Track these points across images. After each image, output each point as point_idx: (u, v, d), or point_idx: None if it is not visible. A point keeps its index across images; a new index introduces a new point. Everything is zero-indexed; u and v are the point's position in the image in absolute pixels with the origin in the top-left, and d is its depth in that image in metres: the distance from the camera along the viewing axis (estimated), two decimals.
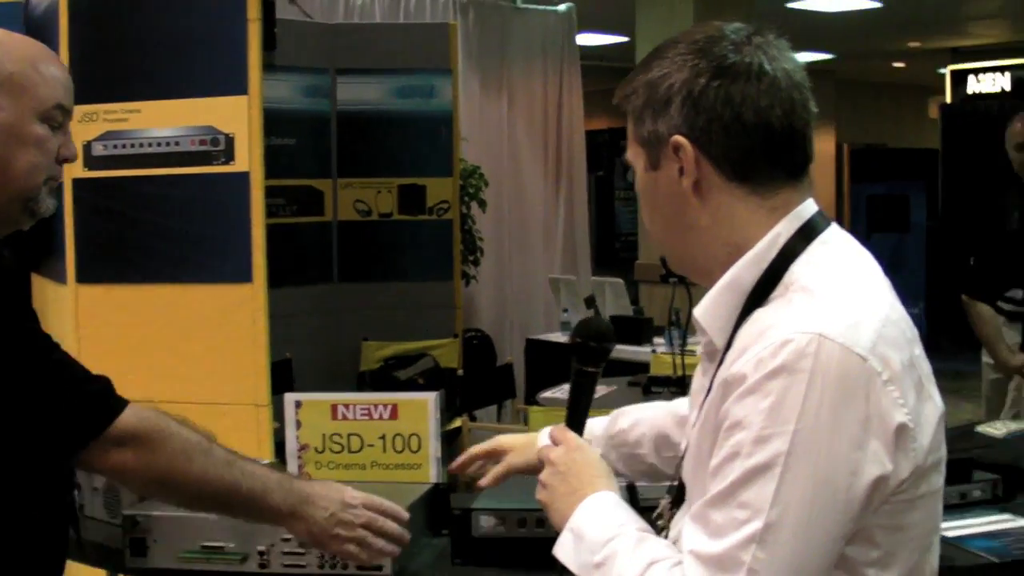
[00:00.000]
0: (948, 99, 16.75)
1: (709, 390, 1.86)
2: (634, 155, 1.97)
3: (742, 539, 1.67)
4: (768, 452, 1.67)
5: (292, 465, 3.18)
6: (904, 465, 1.74)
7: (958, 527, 3.09)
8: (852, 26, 14.53)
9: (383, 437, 3.18)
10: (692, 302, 5.41)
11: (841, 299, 1.78)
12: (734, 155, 1.85)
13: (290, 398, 3.23)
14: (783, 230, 1.87)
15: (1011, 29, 15.71)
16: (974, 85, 16.55)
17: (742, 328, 1.83)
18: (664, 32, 10.94)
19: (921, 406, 1.80)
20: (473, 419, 7.79)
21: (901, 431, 1.73)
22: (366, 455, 3.19)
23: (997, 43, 16.33)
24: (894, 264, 15.38)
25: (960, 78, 16.72)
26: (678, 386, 4.70)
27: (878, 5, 13.30)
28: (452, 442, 6.96)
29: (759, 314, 1.82)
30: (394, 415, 3.18)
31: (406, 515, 2.56)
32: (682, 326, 6.05)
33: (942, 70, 17.26)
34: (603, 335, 2.13)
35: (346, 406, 3.21)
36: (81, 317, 5.13)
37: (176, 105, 5.11)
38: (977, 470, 3.38)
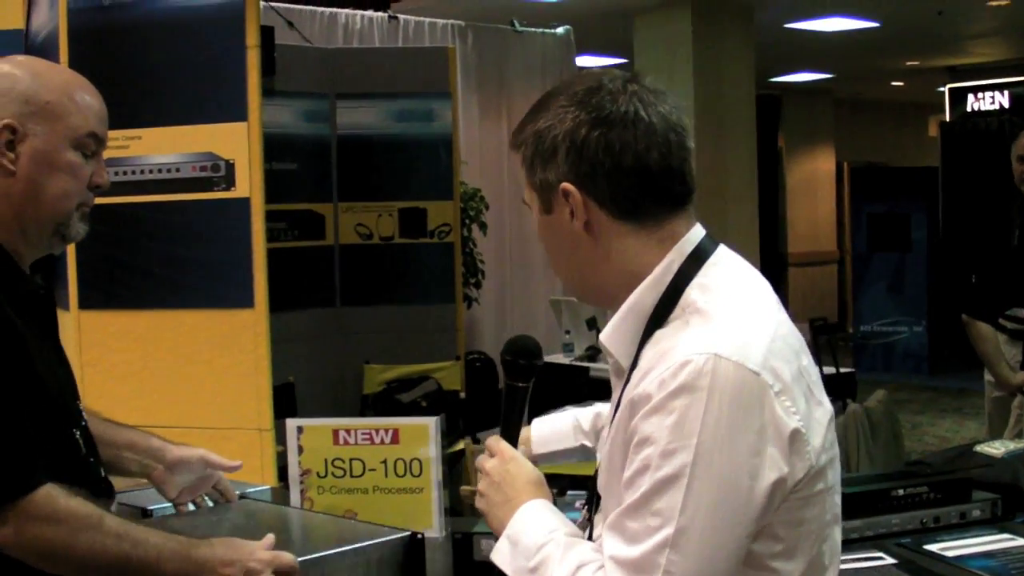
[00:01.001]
0: (947, 117, 16.79)
1: (617, 408, 2.00)
2: (530, 199, 2.10)
3: (656, 544, 1.81)
4: (675, 464, 1.81)
5: (295, 491, 3.19)
6: (799, 467, 1.87)
7: (957, 547, 3.10)
8: (850, 45, 14.56)
9: (385, 461, 3.18)
10: None
11: (733, 320, 1.92)
12: (617, 197, 1.99)
13: (292, 423, 3.24)
14: (676, 256, 2.01)
15: (1008, 47, 15.75)
16: (973, 103, 16.59)
17: (646, 348, 1.98)
18: (662, 53, 10.94)
19: (811, 412, 1.92)
20: (476, 442, 7.79)
21: (795, 436, 1.86)
22: (368, 479, 3.19)
23: (995, 61, 16.38)
24: (896, 283, 15.40)
25: (959, 96, 16.77)
26: None
27: (875, 25, 13.32)
28: (455, 465, 6.97)
29: (660, 334, 1.97)
30: (395, 439, 3.19)
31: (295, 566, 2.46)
32: None
33: (941, 88, 17.30)
34: (530, 352, 2.26)
35: (348, 431, 3.21)
36: (84, 343, 5.14)
37: (176, 132, 5.13)
38: (976, 490, 3.39)
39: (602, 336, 2.05)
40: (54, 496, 2.29)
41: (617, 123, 1.96)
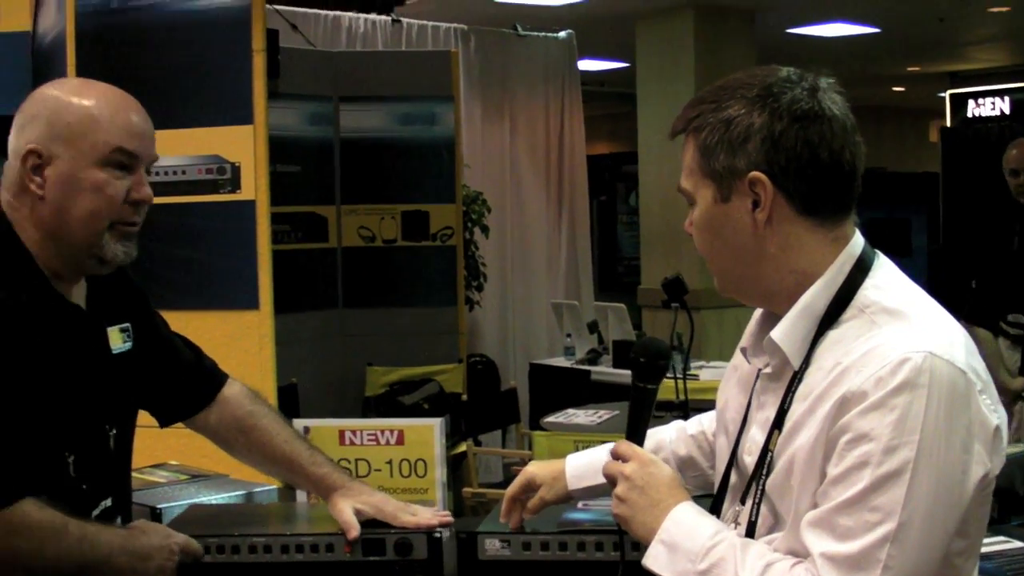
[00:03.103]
0: (948, 123, 16.79)
1: (786, 406, 2.01)
2: (696, 186, 2.09)
3: (877, 539, 1.83)
4: (898, 460, 1.83)
5: (301, 491, 3.22)
6: (997, 462, 1.93)
7: None
8: (851, 51, 14.58)
9: (390, 462, 3.21)
10: (694, 327, 5.42)
11: (930, 320, 1.97)
12: (808, 191, 2.01)
13: (299, 424, 3.26)
14: (847, 258, 2.04)
15: (1009, 53, 15.76)
16: (974, 109, 16.59)
17: (818, 347, 2.01)
18: (664, 58, 10.94)
19: (1000, 410, 1.96)
20: (478, 444, 7.83)
21: (996, 433, 1.92)
22: (373, 480, 3.21)
23: (996, 67, 16.39)
24: None
25: (960, 102, 16.77)
26: (681, 410, 4.74)
27: (876, 30, 13.34)
28: (457, 467, 6.99)
29: (834, 335, 2.00)
30: (400, 440, 3.22)
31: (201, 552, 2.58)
32: (685, 351, 6.03)
33: (942, 94, 17.31)
34: (660, 353, 2.23)
35: (353, 432, 3.25)
36: None
37: (183, 135, 5.16)
38: None
39: (775, 335, 2.05)
40: (27, 511, 2.33)
41: (815, 119, 1.99)
